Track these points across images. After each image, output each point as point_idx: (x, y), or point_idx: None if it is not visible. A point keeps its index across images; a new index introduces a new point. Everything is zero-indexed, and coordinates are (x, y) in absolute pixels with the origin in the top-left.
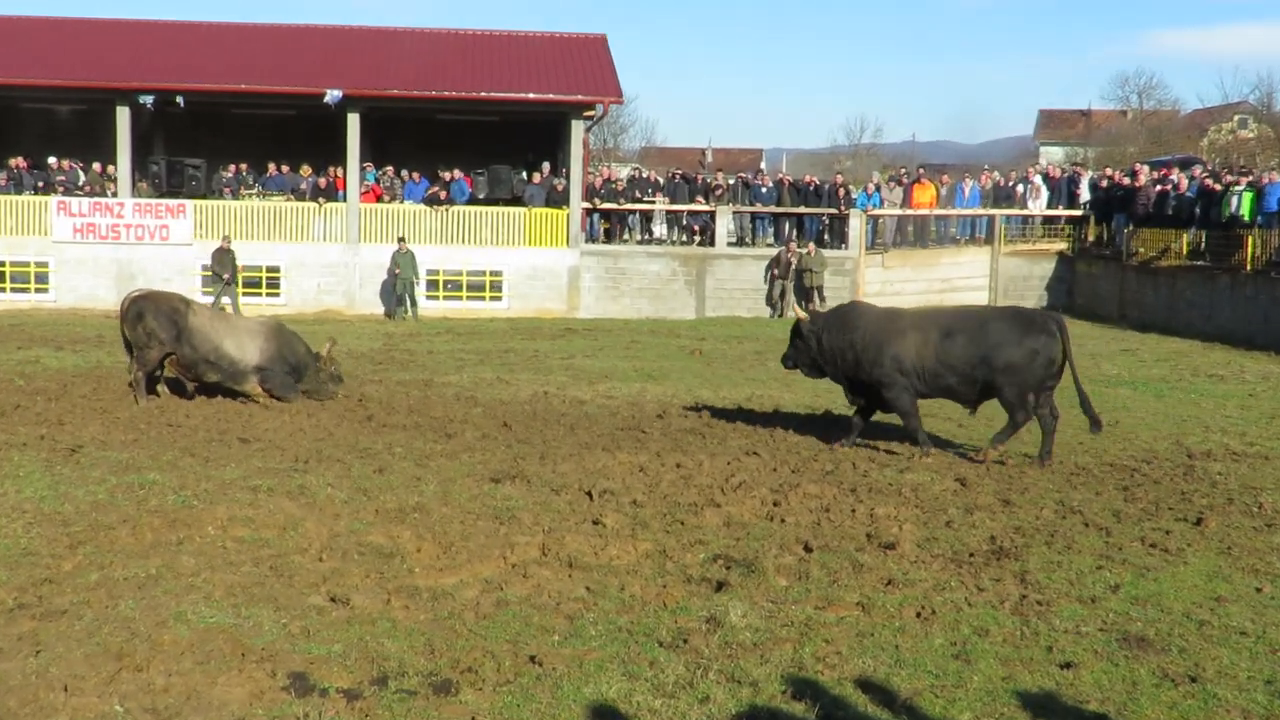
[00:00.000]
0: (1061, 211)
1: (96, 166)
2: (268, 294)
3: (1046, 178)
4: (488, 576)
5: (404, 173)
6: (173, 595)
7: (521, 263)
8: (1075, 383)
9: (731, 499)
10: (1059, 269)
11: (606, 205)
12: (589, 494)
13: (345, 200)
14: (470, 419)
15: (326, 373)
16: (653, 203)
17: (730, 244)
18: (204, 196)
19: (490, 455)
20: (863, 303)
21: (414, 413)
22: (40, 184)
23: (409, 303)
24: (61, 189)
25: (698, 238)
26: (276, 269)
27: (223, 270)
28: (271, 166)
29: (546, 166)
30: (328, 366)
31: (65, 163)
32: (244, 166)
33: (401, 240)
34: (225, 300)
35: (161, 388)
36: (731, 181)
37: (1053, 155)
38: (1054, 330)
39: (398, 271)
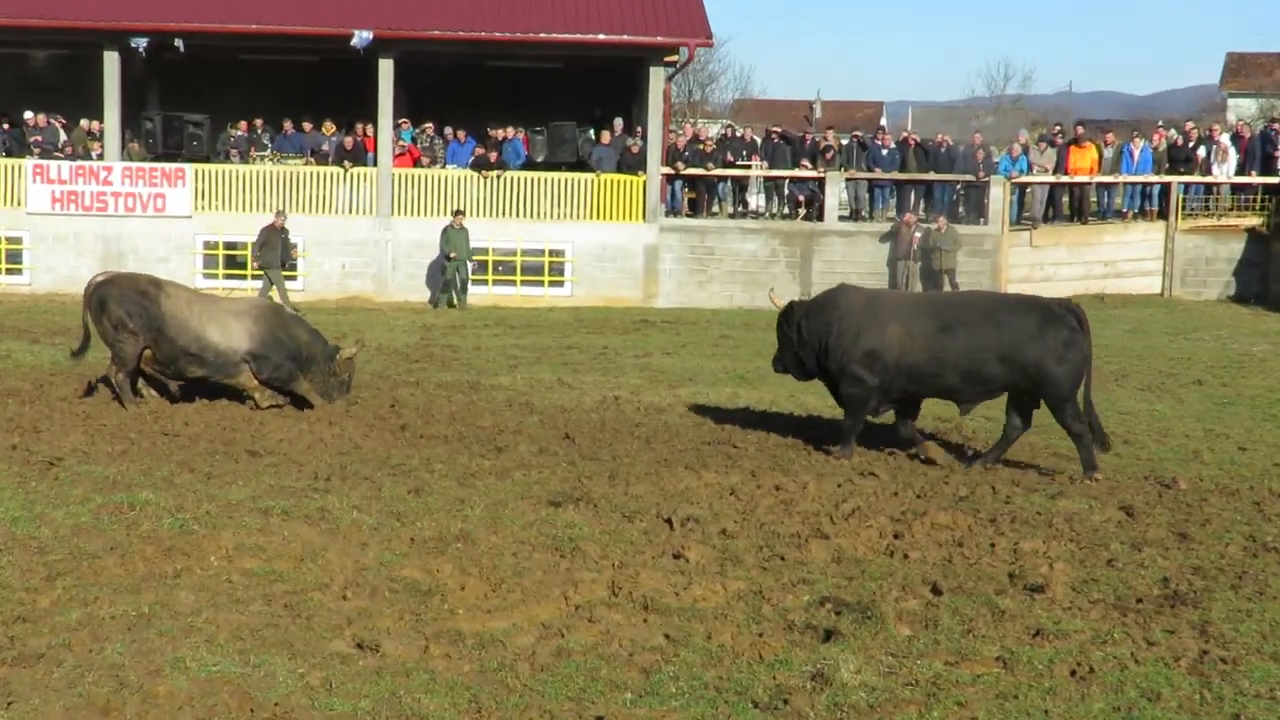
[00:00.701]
0: (1255, 179)
1: (81, 124)
2: (285, 278)
3: (1235, 137)
4: (545, 620)
5: (446, 131)
6: (168, 638)
7: (588, 240)
8: (1085, 389)
9: (843, 529)
10: (1250, 249)
11: (691, 171)
12: (669, 521)
13: (375, 164)
14: (525, 430)
15: (339, 377)
16: (748, 167)
17: (842, 218)
18: (207, 160)
19: (549, 473)
20: (851, 286)
21: (457, 421)
22: (12, 144)
23: (458, 289)
24: (38, 150)
25: (803, 210)
26: (293, 247)
27: (271, 256)
28: (288, 124)
29: (619, 124)
30: (342, 370)
31: (42, 119)
32: (257, 124)
33: (458, 214)
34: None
35: (148, 389)
36: (845, 142)
37: (1243, 109)
38: (1072, 320)
39: (452, 255)
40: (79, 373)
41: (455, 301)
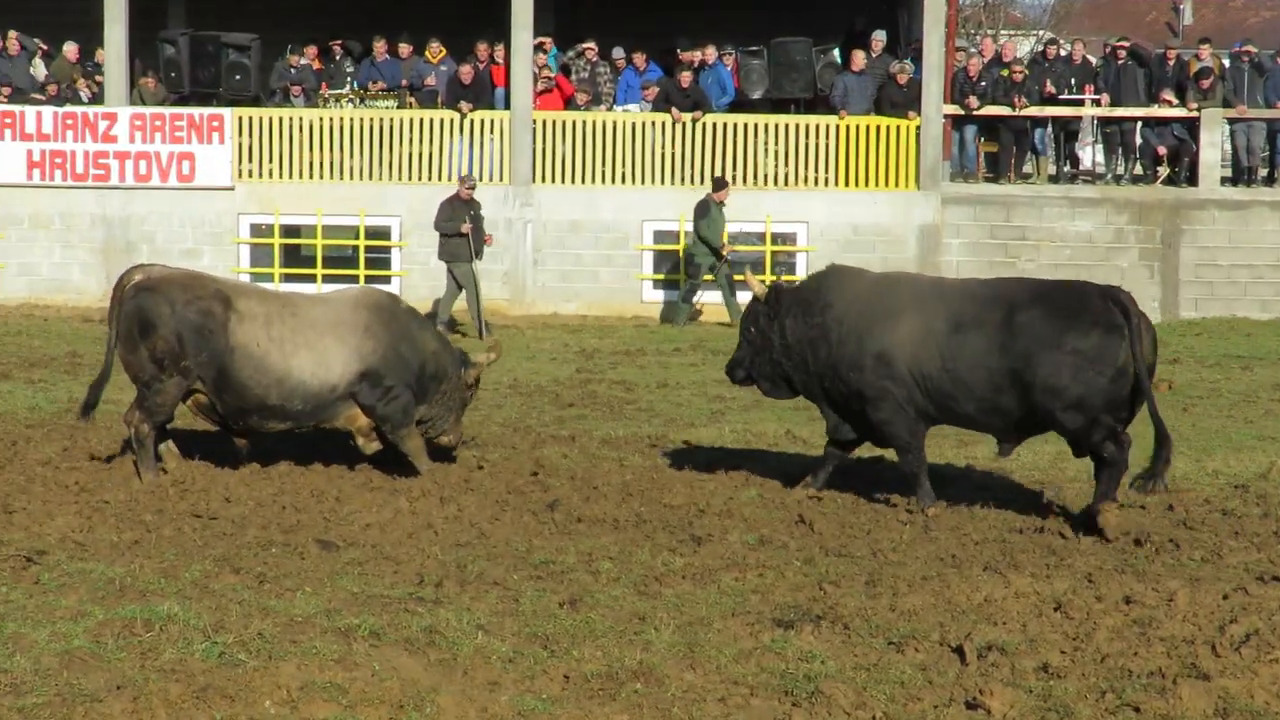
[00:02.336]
0: None
1: (67, 50)
2: (370, 274)
3: None
4: None
5: (615, 54)
6: None
7: (830, 217)
8: (1148, 401)
9: (1231, 665)
10: None
11: (989, 110)
12: (958, 651)
13: (510, 106)
14: (736, 510)
15: (469, 394)
16: (1079, 104)
17: (1226, 180)
18: (256, 101)
19: (774, 578)
20: (846, 268)
21: (634, 497)
22: None
23: (727, 290)
24: (6, 90)
25: (1163, 170)
26: (384, 231)
27: (460, 247)
28: (378, 46)
29: (878, 41)
30: (474, 385)
31: (13, 43)
32: (334, 48)
33: (721, 184)
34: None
35: (170, 451)
36: (1227, 63)
37: None
38: (1117, 319)
39: (723, 254)
40: (69, 424)
41: (686, 312)
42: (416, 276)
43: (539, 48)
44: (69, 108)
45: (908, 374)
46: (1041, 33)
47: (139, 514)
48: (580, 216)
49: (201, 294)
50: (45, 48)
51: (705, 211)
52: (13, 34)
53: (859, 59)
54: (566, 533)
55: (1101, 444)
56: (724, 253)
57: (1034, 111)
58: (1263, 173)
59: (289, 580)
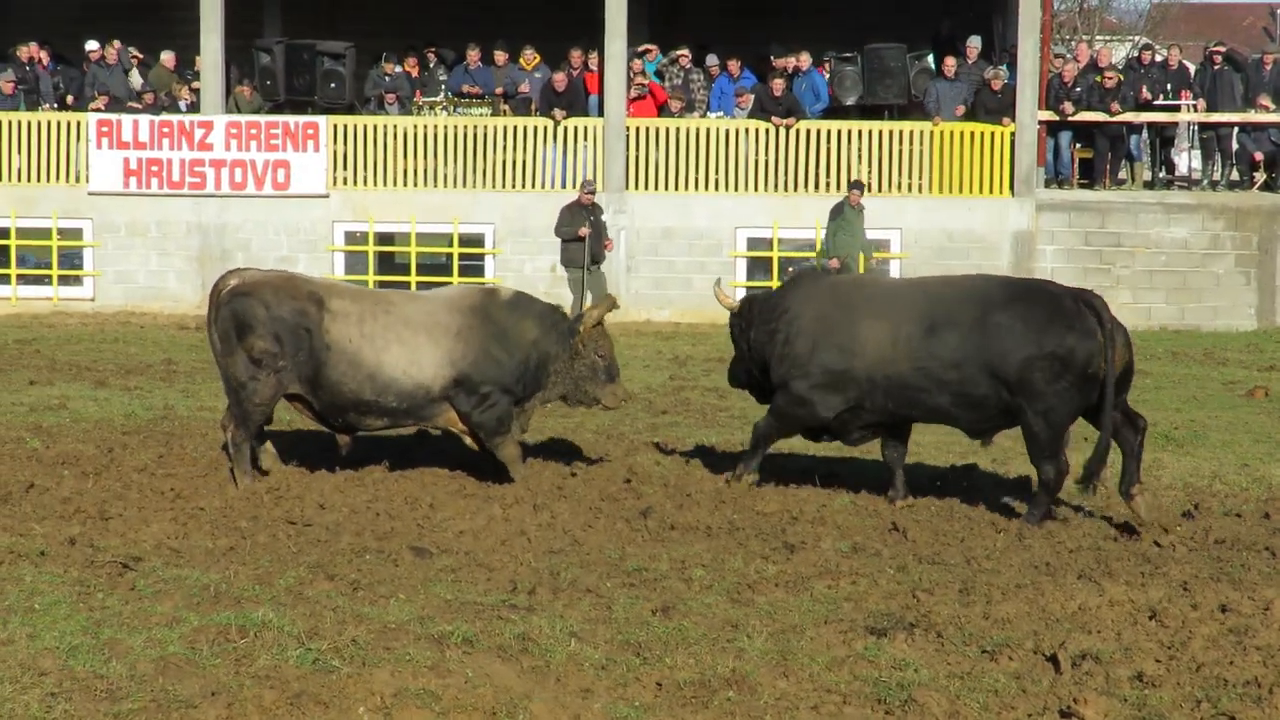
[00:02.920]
0: None
1: (165, 59)
2: (463, 281)
3: None
4: None
5: (709, 60)
6: None
7: (923, 224)
8: (1103, 407)
9: None
10: None
11: (1084, 116)
12: (1052, 660)
13: (603, 113)
14: (829, 517)
15: (588, 359)
16: (1175, 109)
17: None
18: (351, 109)
19: (867, 585)
20: (814, 273)
21: (727, 505)
22: (66, 91)
23: None
24: (104, 98)
25: (1259, 175)
26: (478, 238)
27: (578, 252)
28: (471, 54)
29: (972, 46)
30: (589, 348)
31: (111, 52)
32: (429, 56)
33: (857, 188)
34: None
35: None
36: None
37: None
38: (1090, 323)
39: (833, 260)
40: (165, 430)
41: None
42: (510, 283)
43: (641, 55)
44: (165, 116)
45: (865, 378)
46: (1137, 38)
47: (234, 520)
48: (673, 223)
49: (296, 294)
50: (140, 56)
51: (839, 213)
52: (111, 45)
53: (951, 65)
54: (659, 540)
55: (1043, 463)
56: (870, 261)
57: (1129, 117)
58: None
59: (383, 587)
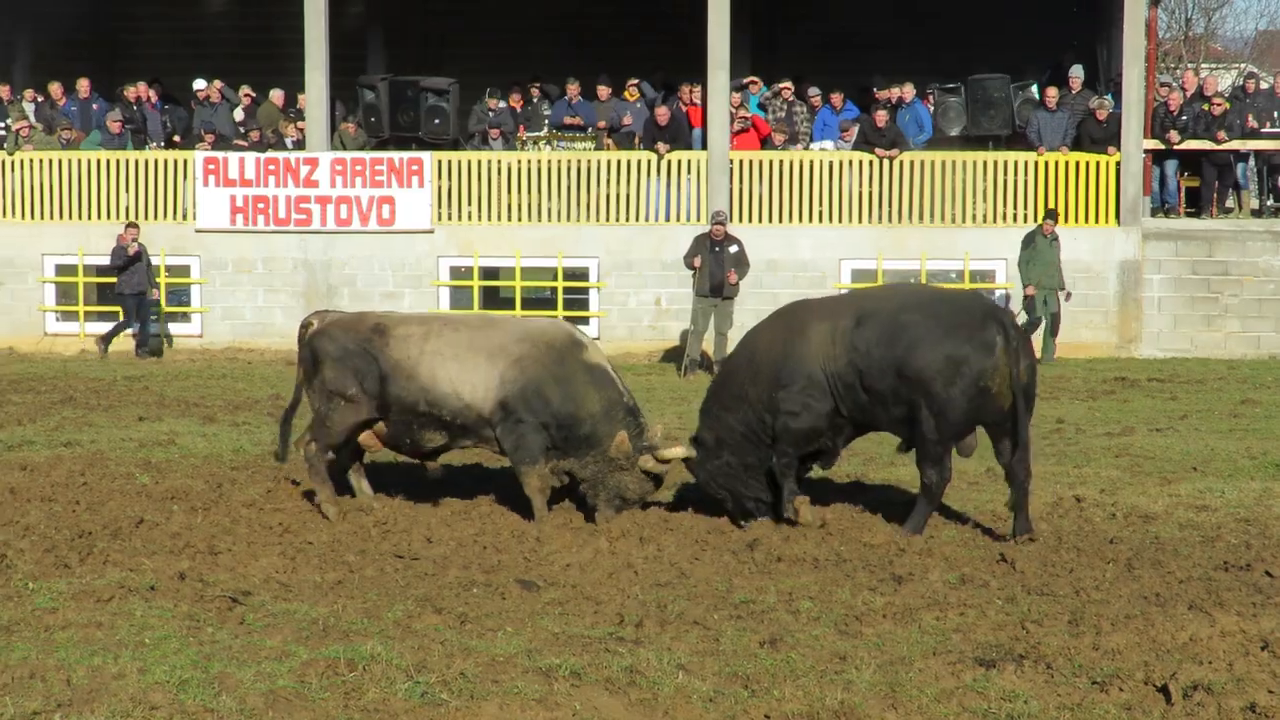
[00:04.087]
0: None
1: (273, 96)
2: (568, 314)
3: None
4: None
5: (812, 93)
6: None
7: None
8: (1014, 429)
9: None
10: None
11: (1190, 145)
12: (1163, 691)
13: (706, 146)
14: (936, 548)
15: (627, 484)
16: None
17: None
18: (455, 145)
19: (976, 616)
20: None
21: (834, 537)
22: (174, 129)
23: (1047, 329)
24: (211, 137)
25: None
26: (583, 272)
27: (697, 280)
28: (572, 88)
29: (1076, 76)
30: (634, 477)
31: (215, 90)
32: (532, 91)
33: (1051, 217)
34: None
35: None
36: None
37: None
38: (992, 336)
39: (1030, 291)
40: (273, 466)
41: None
42: (615, 317)
43: (744, 89)
44: (271, 154)
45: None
46: (1243, 66)
47: (342, 555)
48: (778, 255)
49: (360, 328)
50: (250, 94)
51: (1030, 243)
52: (216, 83)
53: (1054, 95)
54: (766, 572)
55: (928, 467)
56: (1062, 294)
57: (1236, 145)
58: None
59: (490, 620)
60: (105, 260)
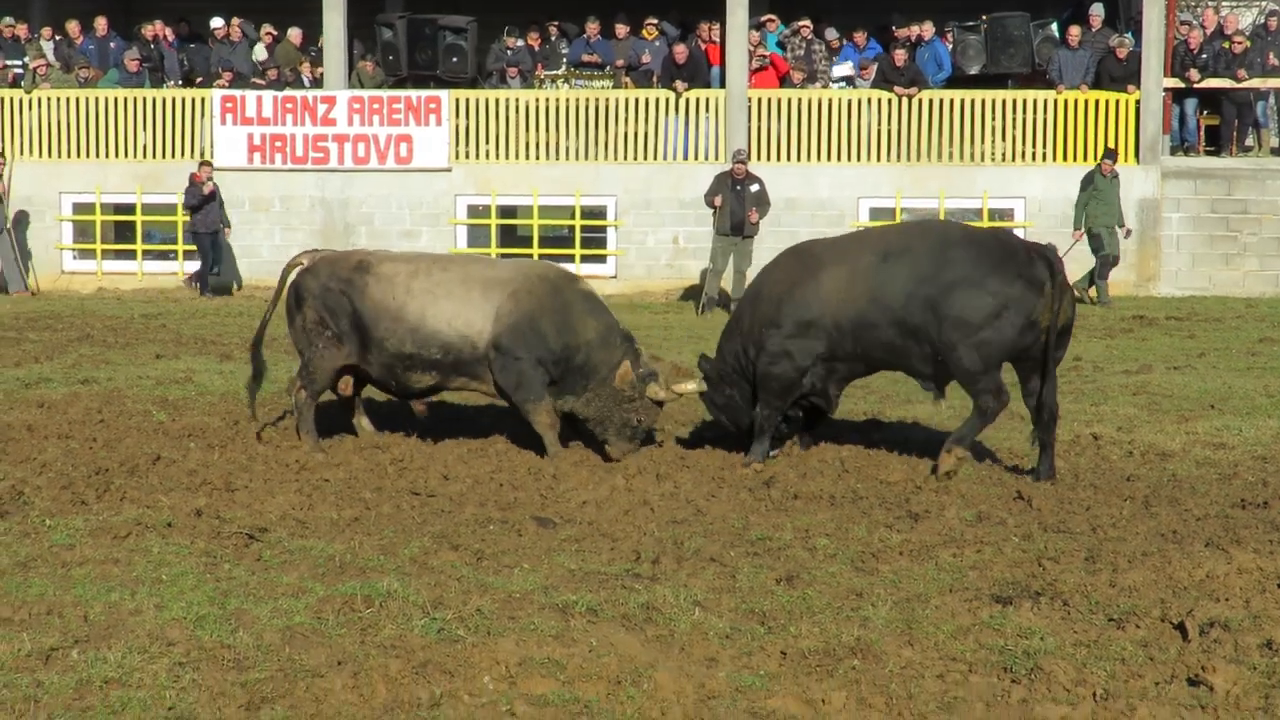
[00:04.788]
0: None
1: (291, 35)
2: (585, 253)
3: None
4: None
5: (829, 33)
6: None
7: (1049, 193)
8: (1044, 367)
9: None
10: None
11: (1210, 83)
12: (1179, 628)
13: (724, 84)
14: (953, 486)
15: (631, 412)
16: None
17: None
18: (473, 83)
19: (992, 554)
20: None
21: (850, 474)
22: (193, 66)
23: (1098, 271)
24: (228, 75)
25: None
26: (600, 210)
27: (717, 219)
28: (591, 26)
29: (1097, 13)
30: (639, 405)
31: (235, 29)
32: (550, 30)
33: (1110, 156)
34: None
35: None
36: None
37: None
38: (1041, 272)
39: (1084, 229)
40: (289, 403)
41: (1096, 294)
42: (632, 255)
43: (762, 27)
44: (289, 92)
45: (831, 324)
46: (1264, 4)
47: (358, 491)
48: (796, 194)
49: (343, 267)
50: (272, 33)
51: (1089, 183)
52: (235, 22)
53: (1075, 33)
54: (783, 509)
55: (982, 393)
56: (1121, 230)
57: (1256, 83)
58: None
59: (507, 557)
60: (124, 199)
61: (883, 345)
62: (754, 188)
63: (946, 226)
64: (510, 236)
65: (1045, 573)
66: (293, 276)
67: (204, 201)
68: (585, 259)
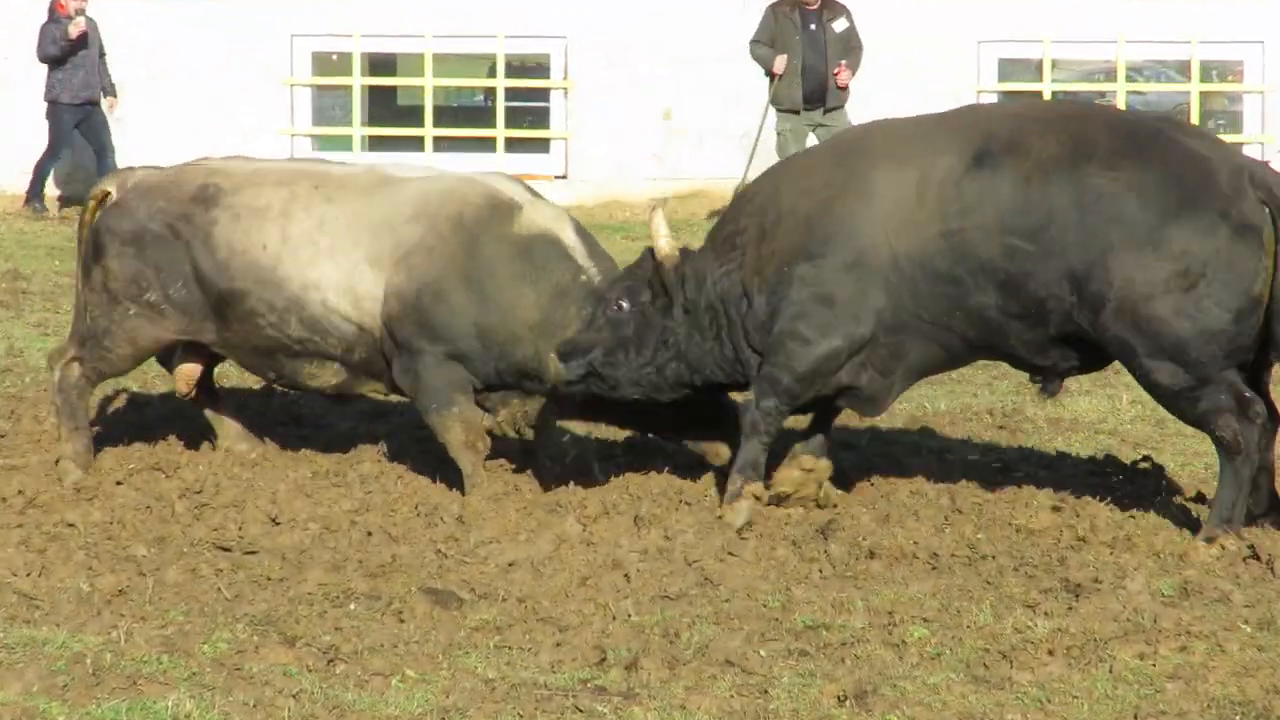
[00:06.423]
0: None
1: None
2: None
3: None
4: None
5: None
6: None
7: None
8: (1261, 360)
9: None
10: None
11: None
12: None
13: None
14: (1140, 538)
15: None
16: None
17: None
18: None
19: (1207, 652)
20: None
21: (960, 515)
22: None
23: None
24: None
25: None
26: (536, 66)
27: (781, 87)
28: None
29: None
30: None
31: None
32: None
33: None
34: None
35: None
36: None
37: None
38: (1253, 209)
39: None
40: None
41: None
42: (587, 142)
43: None
44: None
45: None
46: None
47: (127, 545)
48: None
49: (176, 195)
50: None
51: None
52: None
53: None
54: (849, 576)
55: (1211, 417)
56: None
57: None
58: None
59: (378, 659)
60: None
61: (966, 314)
62: (838, 25)
63: (1092, 115)
64: (385, 108)
65: None
66: (91, 215)
67: (71, 49)
68: (512, 146)
